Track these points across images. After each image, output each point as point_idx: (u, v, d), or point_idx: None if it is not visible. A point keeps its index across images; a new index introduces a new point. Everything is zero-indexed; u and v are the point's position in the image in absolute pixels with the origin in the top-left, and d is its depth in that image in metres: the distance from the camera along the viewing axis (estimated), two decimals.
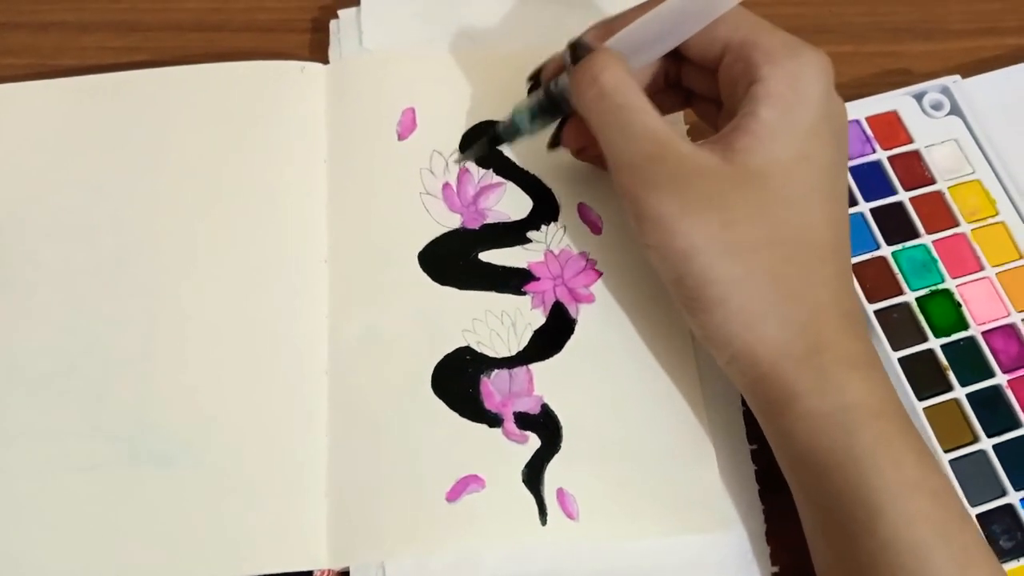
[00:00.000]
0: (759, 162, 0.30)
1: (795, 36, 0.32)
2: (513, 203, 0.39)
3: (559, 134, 0.37)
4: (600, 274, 0.38)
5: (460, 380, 0.36)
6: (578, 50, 0.33)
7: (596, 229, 0.38)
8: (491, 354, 0.36)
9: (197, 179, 0.39)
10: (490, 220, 0.38)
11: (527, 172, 0.39)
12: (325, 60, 0.42)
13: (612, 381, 0.36)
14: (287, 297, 0.37)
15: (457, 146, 0.40)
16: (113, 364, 0.36)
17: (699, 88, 0.35)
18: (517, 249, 0.38)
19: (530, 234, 0.38)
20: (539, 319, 0.37)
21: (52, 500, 0.34)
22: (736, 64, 0.31)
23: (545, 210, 0.39)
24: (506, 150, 0.40)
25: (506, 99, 0.40)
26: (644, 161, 0.31)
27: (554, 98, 0.35)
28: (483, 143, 0.39)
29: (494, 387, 0.36)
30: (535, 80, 0.37)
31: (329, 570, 0.33)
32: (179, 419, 0.35)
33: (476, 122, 0.40)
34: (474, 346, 0.36)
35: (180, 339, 0.36)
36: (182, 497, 0.34)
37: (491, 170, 0.39)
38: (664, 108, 0.36)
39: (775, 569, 0.33)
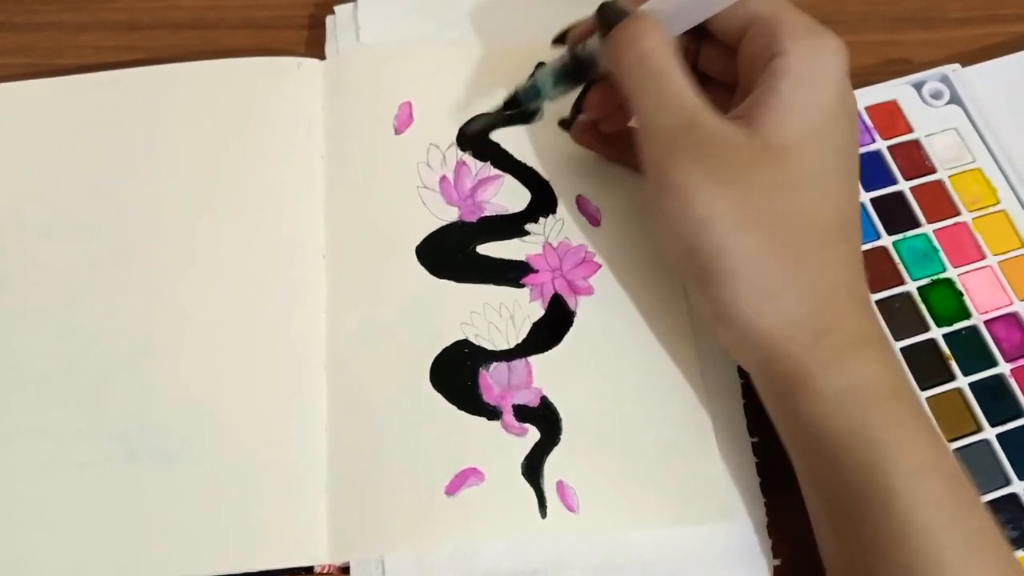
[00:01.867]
0: (780, 138, 0.30)
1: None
2: (511, 196, 0.39)
3: (581, 100, 0.36)
4: (599, 266, 0.37)
5: (459, 373, 0.36)
6: (609, 14, 0.32)
7: (595, 221, 0.38)
8: (489, 347, 0.36)
9: (195, 176, 0.39)
10: (488, 213, 0.38)
11: (525, 164, 0.39)
12: (322, 56, 0.42)
13: (612, 373, 0.36)
14: (285, 292, 0.37)
15: (455, 139, 0.39)
16: (111, 362, 0.36)
17: (715, 70, 0.35)
18: (515, 242, 0.38)
19: (528, 226, 0.38)
20: (538, 311, 0.37)
21: (52, 498, 0.34)
22: (758, 39, 0.32)
23: (543, 202, 0.39)
24: (503, 142, 0.39)
25: (501, 93, 0.40)
26: (674, 129, 0.31)
27: (581, 62, 0.34)
28: (498, 109, 0.38)
29: (493, 380, 0.36)
30: (559, 41, 0.36)
31: (330, 565, 0.33)
32: (178, 416, 0.35)
33: (473, 115, 0.40)
34: (472, 339, 0.36)
35: (178, 336, 0.36)
36: (181, 494, 0.34)
37: (489, 163, 0.39)
38: None
39: (777, 562, 0.33)
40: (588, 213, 0.38)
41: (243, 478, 0.34)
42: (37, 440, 0.35)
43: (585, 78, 0.35)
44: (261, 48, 0.42)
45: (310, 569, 0.33)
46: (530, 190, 0.39)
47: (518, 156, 0.39)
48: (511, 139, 0.40)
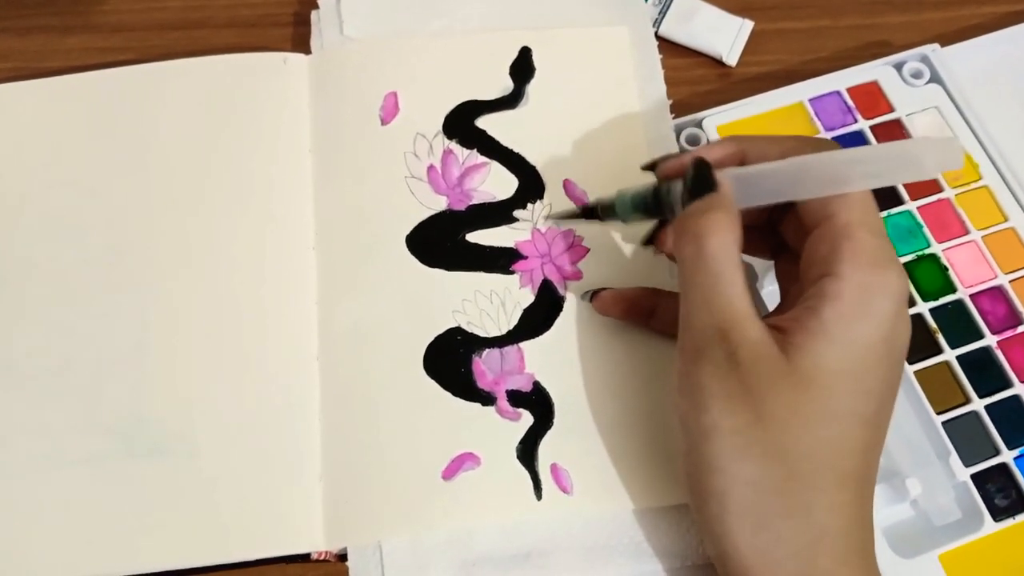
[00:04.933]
0: (809, 364, 0.28)
1: (892, 248, 0.30)
2: (498, 183, 0.39)
3: (655, 234, 0.35)
4: (587, 250, 0.38)
5: (452, 360, 0.36)
6: (697, 178, 0.30)
7: (582, 205, 0.38)
8: (482, 334, 0.36)
9: (184, 173, 0.39)
10: (476, 201, 0.39)
11: (511, 151, 0.39)
12: (308, 52, 0.42)
13: (602, 356, 0.36)
14: (276, 286, 0.37)
15: (441, 128, 0.40)
16: (107, 358, 0.36)
17: (791, 240, 0.33)
18: (504, 228, 0.38)
19: (516, 213, 0.38)
20: (528, 297, 0.37)
21: (50, 494, 0.34)
22: (823, 243, 0.29)
23: (531, 188, 0.39)
24: (490, 129, 0.40)
25: (485, 80, 0.40)
26: (710, 331, 0.29)
27: (661, 202, 0.33)
28: (575, 209, 0.37)
29: (486, 366, 0.36)
30: (650, 169, 0.34)
31: (327, 551, 0.33)
32: (173, 410, 0.35)
33: (458, 103, 0.40)
34: (465, 326, 0.36)
35: (172, 331, 0.37)
36: (178, 486, 0.34)
37: (475, 150, 0.39)
38: (750, 247, 0.34)
39: None
40: (575, 197, 0.39)
41: (239, 469, 0.34)
42: (35, 437, 0.35)
43: (661, 216, 0.34)
44: (247, 46, 0.42)
45: (307, 556, 0.34)
46: (517, 176, 0.39)
47: (505, 142, 0.40)
48: (497, 125, 0.40)
